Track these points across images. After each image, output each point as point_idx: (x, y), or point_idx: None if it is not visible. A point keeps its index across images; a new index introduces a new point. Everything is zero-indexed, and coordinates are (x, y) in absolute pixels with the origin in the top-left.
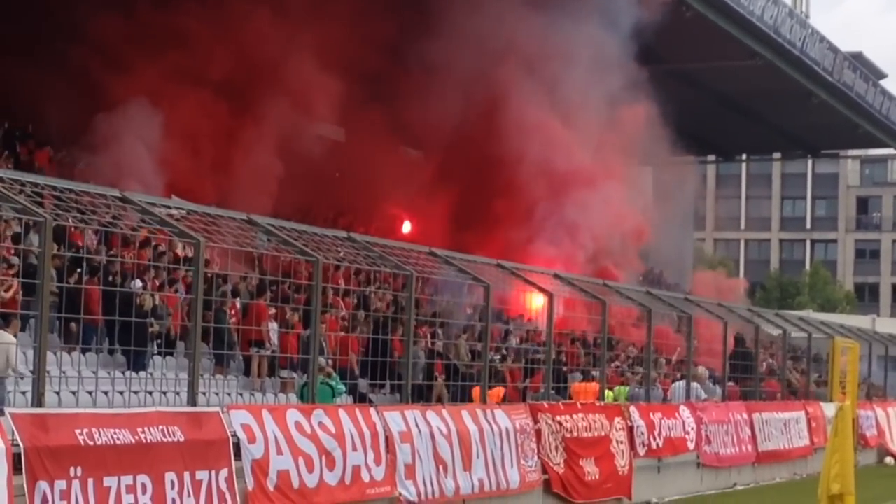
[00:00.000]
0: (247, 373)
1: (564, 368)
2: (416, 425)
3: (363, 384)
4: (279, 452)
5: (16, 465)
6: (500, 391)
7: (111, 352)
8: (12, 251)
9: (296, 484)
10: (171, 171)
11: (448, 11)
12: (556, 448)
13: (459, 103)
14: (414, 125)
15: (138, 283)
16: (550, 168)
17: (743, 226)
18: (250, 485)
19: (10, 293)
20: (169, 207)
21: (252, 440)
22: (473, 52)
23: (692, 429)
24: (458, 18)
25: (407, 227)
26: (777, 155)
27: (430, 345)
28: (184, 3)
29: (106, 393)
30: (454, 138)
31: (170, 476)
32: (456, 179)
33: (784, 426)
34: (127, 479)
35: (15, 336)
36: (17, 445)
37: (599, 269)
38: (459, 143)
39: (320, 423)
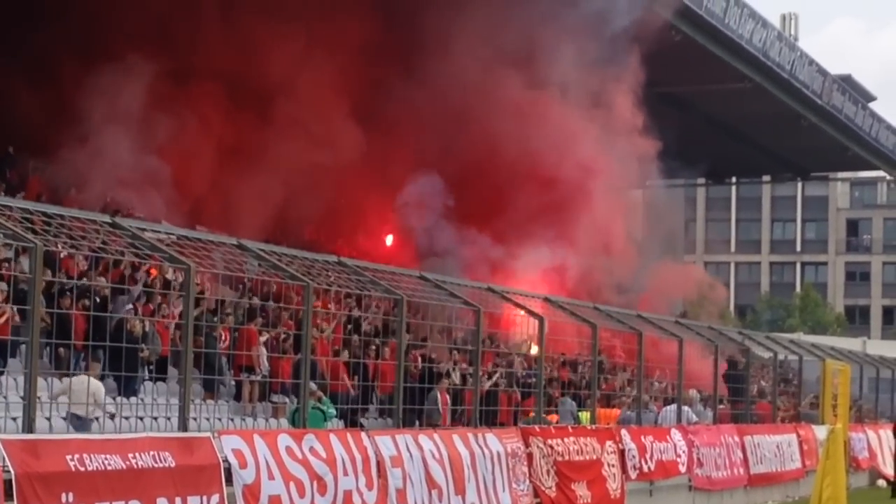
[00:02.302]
0: (238, 398)
1: (556, 392)
2: (408, 449)
3: (356, 409)
4: (270, 477)
5: (7, 492)
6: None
7: (102, 377)
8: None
9: None
10: (161, 183)
11: (436, 27)
12: (548, 472)
13: (449, 113)
14: (403, 142)
15: (129, 308)
16: (543, 169)
17: (733, 248)
18: None
19: (2, 319)
20: (159, 232)
21: (243, 465)
22: (463, 62)
23: (684, 452)
24: (445, 33)
25: (389, 240)
26: (767, 178)
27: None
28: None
29: (97, 419)
30: (447, 150)
31: (161, 502)
32: (450, 189)
33: (777, 449)
34: None
35: (98, 378)
36: (8, 472)
37: (587, 282)
38: (452, 153)
39: (311, 448)
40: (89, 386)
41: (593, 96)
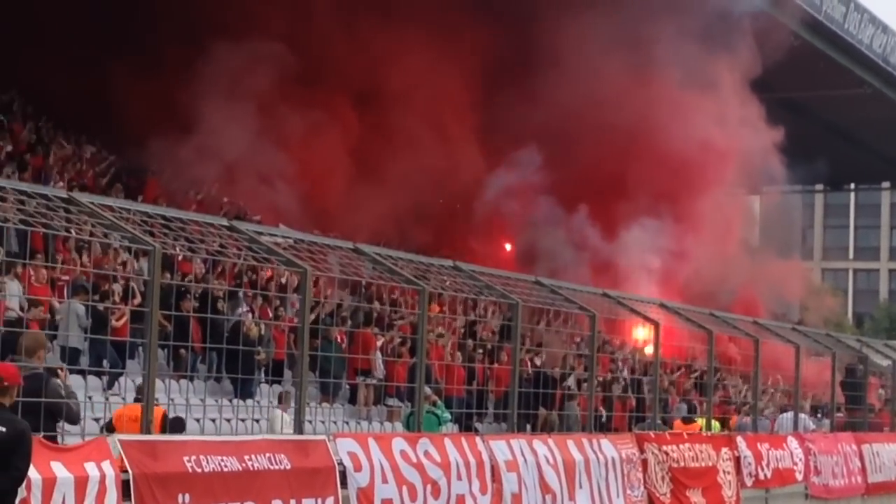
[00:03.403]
0: (353, 401)
1: (673, 399)
2: (522, 454)
3: (470, 413)
4: (384, 481)
5: (125, 492)
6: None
7: (218, 379)
8: (122, 279)
9: None
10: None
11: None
12: (663, 478)
13: (565, 115)
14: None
15: (241, 311)
16: (659, 146)
17: (851, 255)
18: None
19: (122, 321)
20: (275, 236)
21: (358, 468)
22: (577, 64)
23: (800, 459)
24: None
25: (507, 248)
26: (886, 184)
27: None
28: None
29: (213, 420)
30: (564, 151)
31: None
32: (563, 182)
33: None
34: None
35: (285, 411)
36: (126, 472)
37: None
38: (568, 150)
39: (426, 452)
40: (281, 420)
41: (707, 81)
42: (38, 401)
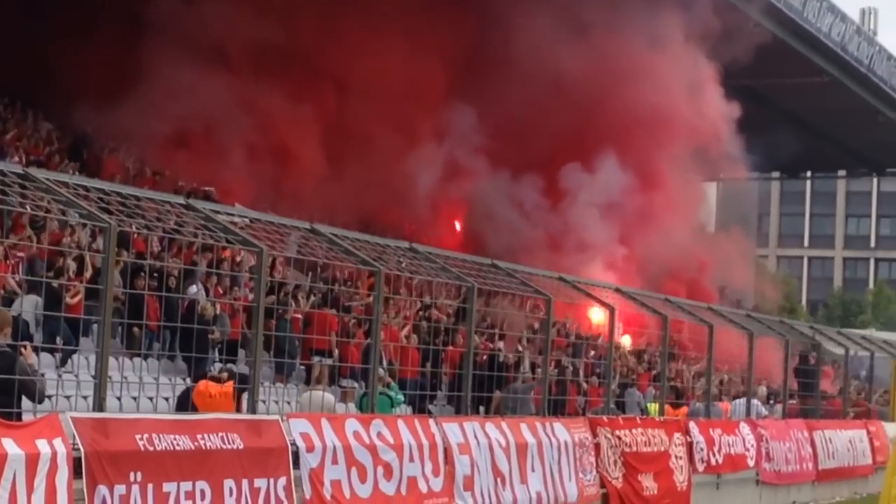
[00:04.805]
0: (307, 381)
1: (626, 382)
2: (475, 437)
3: (424, 395)
4: (335, 462)
5: (76, 469)
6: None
7: (172, 358)
8: (75, 256)
9: (347, 494)
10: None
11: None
12: (615, 462)
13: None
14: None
15: (197, 290)
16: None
17: (806, 243)
18: (308, 493)
19: (76, 299)
20: (232, 215)
21: (311, 449)
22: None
23: (752, 445)
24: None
25: (457, 226)
26: (842, 172)
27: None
28: None
29: (167, 399)
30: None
31: (228, 483)
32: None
33: (849, 444)
34: (186, 486)
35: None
36: (78, 449)
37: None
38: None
39: (379, 434)
40: (323, 400)
41: (663, 41)
42: (9, 378)
